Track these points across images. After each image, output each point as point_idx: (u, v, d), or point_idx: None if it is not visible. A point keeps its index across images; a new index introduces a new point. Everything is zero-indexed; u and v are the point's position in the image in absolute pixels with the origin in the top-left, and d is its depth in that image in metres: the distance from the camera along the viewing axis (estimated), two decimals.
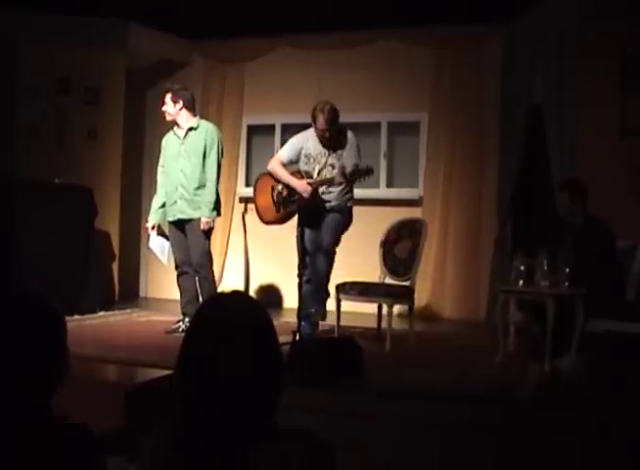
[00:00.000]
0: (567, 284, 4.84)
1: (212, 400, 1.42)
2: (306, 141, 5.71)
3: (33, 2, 7.03)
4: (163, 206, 5.95)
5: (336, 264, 5.72)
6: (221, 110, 8.43)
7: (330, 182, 5.50)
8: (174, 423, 1.46)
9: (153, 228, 6.02)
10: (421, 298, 7.04)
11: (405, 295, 5.83)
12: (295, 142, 5.80)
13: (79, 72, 7.60)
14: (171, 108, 5.82)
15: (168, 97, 5.83)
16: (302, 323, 5.38)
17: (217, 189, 5.86)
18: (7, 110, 7.42)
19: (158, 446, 1.46)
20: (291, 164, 5.77)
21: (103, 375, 4.79)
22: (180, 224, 5.89)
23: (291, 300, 7.27)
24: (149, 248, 6.36)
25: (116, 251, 7.90)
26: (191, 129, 5.85)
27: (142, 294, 8.76)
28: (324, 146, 5.63)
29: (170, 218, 5.93)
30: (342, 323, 5.74)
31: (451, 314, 7.45)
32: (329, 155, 5.61)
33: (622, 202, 5.73)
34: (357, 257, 6.83)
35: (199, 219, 5.78)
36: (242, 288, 7.72)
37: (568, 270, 4.83)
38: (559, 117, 6.41)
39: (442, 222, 7.56)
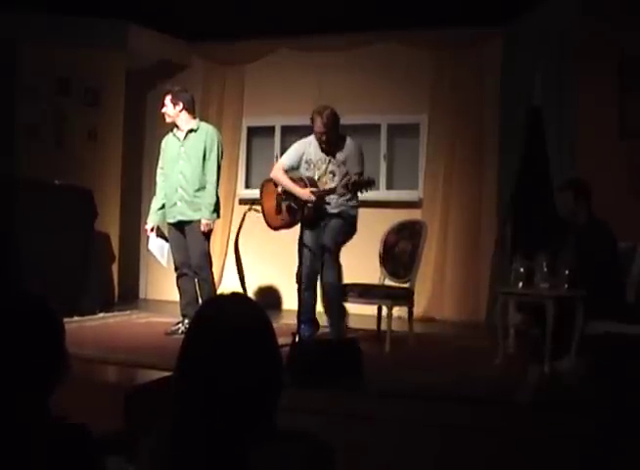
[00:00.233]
0: (566, 286, 4.84)
1: (212, 402, 1.42)
2: (308, 146, 5.71)
3: (33, 2, 7.03)
4: (163, 207, 5.95)
5: None
6: (221, 111, 8.44)
7: (332, 192, 5.50)
8: (174, 424, 1.46)
9: (152, 230, 6.02)
10: (421, 299, 7.04)
11: (405, 297, 5.83)
12: (297, 147, 5.80)
13: (79, 73, 7.60)
14: (171, 109, 5.82)
15: (168, 99, 5.83)
16: (302, 326, 5.38)
17: (217, 191, 5.86)
18: (7, 110, 7.42)
19: (157, 448, 1.46)
20: (293, 171, 5.76)
21: (102, 376, 4.79)
22: (180, 226, 5.88)
23: (290, 301, 7.26)
24: (148, 250, 6.36)
25: (116, 252, 7.90)
26: (191, 131, 5.84)
27: (142, 295, 8.77)
28: (323, 151, 5.63)
29: (170, 220, 5.92)
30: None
31: (451, 316, 7.45)
32: (329, 162, 5.61)
33: (622, 202, 5.73)
34: (357, 258, 6.82)
35: (198, 221, 5.78)
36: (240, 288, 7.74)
37: (567, 272, 4.83)
38: (558, 118, 6.42)
39: (442, 224, 7.56)
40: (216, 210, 5.86)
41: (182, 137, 5.86)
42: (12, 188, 6.61)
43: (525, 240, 6.79)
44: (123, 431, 2.47)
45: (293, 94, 8.10)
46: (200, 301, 5.84)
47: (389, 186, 7.89)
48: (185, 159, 5.83)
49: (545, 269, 4.88)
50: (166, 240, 6.01)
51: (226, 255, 8.41)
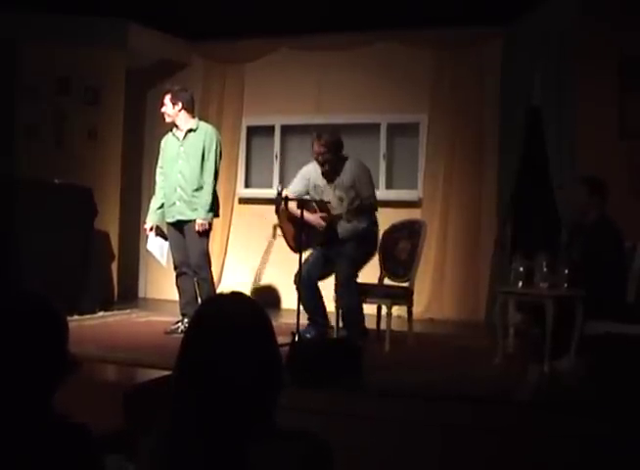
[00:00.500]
0: (566, 286, 4.84)
1: (211, 401, 1.42)
2: (312, 172, 5.76)
3: (33, 2, 7.03)
4: (162, 207, 5.96)
5: None
6: (221, 111, 8.43)
7: (339, 218, 5.57)
8: (173, 423, 1.46)
9: (151, 229, 6.02)
10: (420, 299, 7.04)
11: (404, 296, 5.83)
12: (302, 174, 5.85)
13: (79, 72, 7.60)
14: (170, 109, 5.82)
15: (168, 98, 5.83)
16: (306, 327, 5.45)
17: (215, 191, 5.85)
18: (7, 110, 7.42)
19: (157, 447, 1.46)
20: (301, 196, 5.74)
21: (102, 375, 4.79)
22: (179, 225, 5.89)
23: (290, 301, 7.26)
24: (147, 250, 6.36)
25: (116, 251, 7.90)
26: (190, 131, 5.85)
27: (141, 294, 8.76)
28: (324, 175, 5.67)
29: (169, 220, 5.93)
30: (341, 324, 5.74)
31: (450, 315, 7.45)
32: (335, 187, 5.64)
33: (622, 202, 5.73)
34: None
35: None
36: (248, 286, 7.74)
37: (567, 272, 4.83)
38: (558, 118, 6.42)
39: (442, 223, 7.56)
40: (213, 209, 5.85)
41: (181, 137, 5.86)
42: (12, 187, 6.62)
43: (524, 240, 6.80)
44: (123, 430, 2.47)
45: (293, 93, 8.09)
46: (199, 300, 5.84)
47: (389, 186, 7.88)
48: (184, 158, 5.83)
49: (545, 269, 4.88)
50: (166, 239, 6.01)
51: (225, 254, 8.41)
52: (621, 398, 4.00)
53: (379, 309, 5.97)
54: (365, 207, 5.47)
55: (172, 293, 6.54)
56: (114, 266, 7.92)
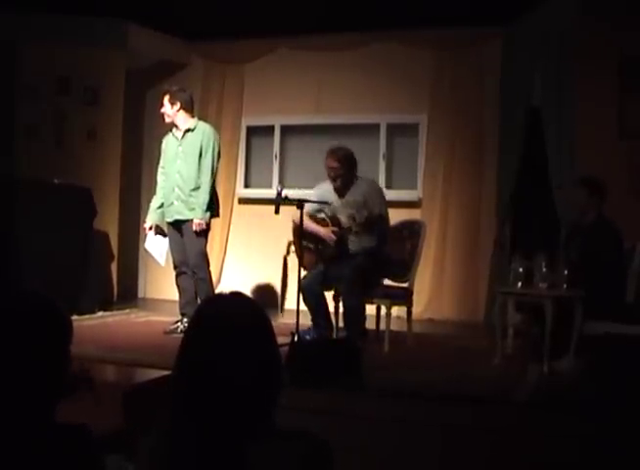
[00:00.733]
0: (565, 286, 4.84)
1: (211, 400, 1.42)
2: (325, 190, 5.78)
3: (33, 2, 7.03)
4: (161, 206, 5.97)
5: None
6: (220, 111, 8.43)
7: (349, 231, 5.59)
8: (173, 423, 1.46)
9: (150, 228, 6.03)
10: (419, 299, 7.04)
11: (404, 296, 5.83)
12: (315, 193, 5.85)
13: (79, 73, 7.59)
14: (169, 109, 5.84)
15: (166, 99, 5.85)
16: (308, 330, 5.49)
17: (212, 190, 5.84)
18: (7, 110, 7.42)
19: (157, 447, 1.46)
20: (316, 213, 5.79)
21: (101, 375, 4.78)
22: (177, 225, 5.90)
23: (290, 301, 7.25)
24: (145, 249, 6.36)
25: (115, 251, 7.90)
26: (188, 131, 5.86)
27: (140, 294, 8.76)
28: (336, 191, 5.69)
29: (168, 219, 5.95)
30: (340, 325, 5.74)
31: (450, 316, 7.45)
32: (346, 205, 5.65)
33: (621, 203, 5.73)
34: None
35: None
36: (248, 286, 7.72)
37: (566, 272, 4.83)
38: (558, 118, 6.42)
39: (441, 223, 7.56)
40: (212, 209, 5.85)
41: (180, 137, 5.88)
42: (11, 187, 6.62)
43: (524, 240, 6.80)
44: (123, 429, 2.47)
45: (292, 93, 8.09)
46: (199, 300, 5.84)
47: (389, 185, 7.87)
48: (182, 158, 5.85)
49: (544, 269, 4.88)
50: (166, 237, 6.02)
51: (225, 254, 8.41)
52: (621, 398, 4.00)
53: (378, 310, 5.98)
54: (374, 219, 5.46)
55: (172, 293, 6.54)
56: (114, 266, 7.92)
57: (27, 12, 7.18)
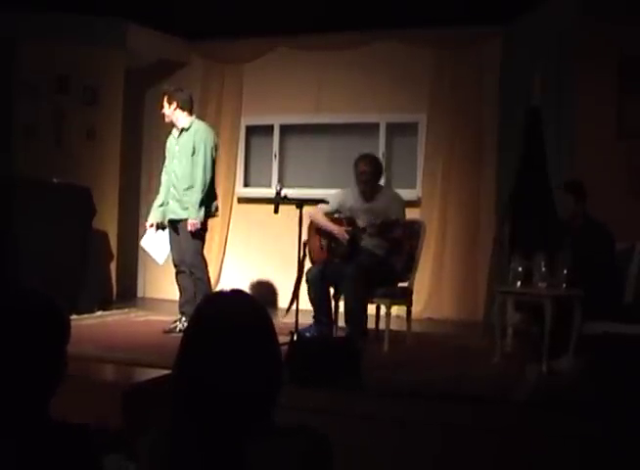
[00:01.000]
0: (564, 285, 4.84)
1: (211, 400, 1.42)
2: (347, 195, 5.89)
3: (33, 1, 7.02)
4: (163, 204, 5.98)
5: None
6: (220, 110, 8.43)
7: (363, 231, 5.70)
8: (173, 422, 1.46)
9: (152, 226, 6.04)
10: (419, 298, 7.04)
11: (403, 296, 5.83)
12: (335, 195, 5.96)
13: (78, 72, 7.58)
14: (167, 109, 5.86)
15: (165, 99, 5.87)
16: (309, 327, 5.51)
17: (209, 189, 5.83)
18: (5, 109, 7.41)
19: (156, 446, 1.46)
20: (332, 214, 5.91)
21: (101, 375, 4.78)
22: (174, 224, 5.91)
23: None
24: (140, 245, 6.36)
25: (114, 250, 7.89)
26: (184, 130, 5.88)
27: (140, 294, 8.76)
28: (362, 194, 5.79)
29: (167, 219, 5.96)
30: (340, 324, 5.73)
31: (449, 315, 7.45)
32: (369, 211, 5.74)
33: (621, 203, 5.73)
34: None
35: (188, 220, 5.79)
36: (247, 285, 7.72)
37: (565, 272, 4.84)
38: (557, 118, 6.42)
39: (441, 223, 7.56)
40: (208, 208, 5.83)
41: (177, 136, 5.91)
42: (10, 186, 6.61)
43: (523, 239, 6.79)
44: (122, 429, 2.47)
45: (292, 93, 8.09)
46: (197, 299, 5.84)
47: (388, 185, 7.87)
48: (178, 157, 5.87)
49: (543, 269, 4.88)
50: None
51: (224, 254, 8.41)
52: (620, 397, 4.00)
53: (378, 309, 5.97)
54: (389, 222, 5.55)
55: (171, 292, 6.54)
56: (113, 266, 7.91)
57: (27, 10, 7.17)
